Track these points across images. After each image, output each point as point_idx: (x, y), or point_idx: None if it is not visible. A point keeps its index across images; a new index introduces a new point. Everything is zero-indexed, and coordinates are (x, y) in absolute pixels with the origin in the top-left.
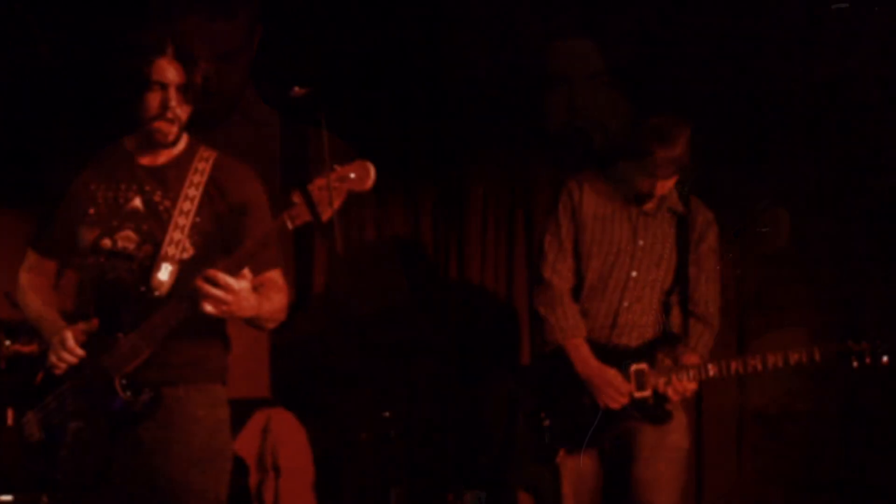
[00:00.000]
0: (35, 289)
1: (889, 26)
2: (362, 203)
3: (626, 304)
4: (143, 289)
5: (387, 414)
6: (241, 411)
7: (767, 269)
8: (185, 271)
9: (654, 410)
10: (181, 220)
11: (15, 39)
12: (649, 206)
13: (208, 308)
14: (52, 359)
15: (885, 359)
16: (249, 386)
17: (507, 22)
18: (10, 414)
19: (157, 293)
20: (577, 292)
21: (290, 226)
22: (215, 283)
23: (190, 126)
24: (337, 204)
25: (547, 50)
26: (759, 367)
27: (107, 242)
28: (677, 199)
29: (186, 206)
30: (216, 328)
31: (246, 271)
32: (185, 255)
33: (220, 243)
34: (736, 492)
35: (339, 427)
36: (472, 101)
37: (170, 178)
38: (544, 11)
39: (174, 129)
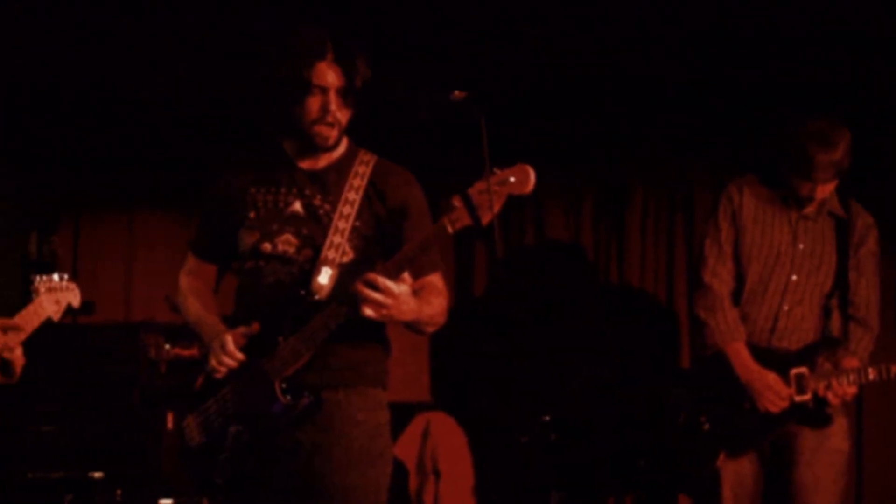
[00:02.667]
0: (195, 293)
1: None
2: (522, 207)
3: (786, 307)
4: (302, 292)
5: (546, 417)
6: (402, 415)
7: None
8: (345, 275)
9: (815, 414)
10: (341, 224)
11: (175, 47)
12: (809, 209)
13: (368, 312)
14: (212, 363)
15: None
16: (409, 390)
17: (668, 24)
18: (170, 418)
19: (316, 297)
20: (737, 296)
21: (450, 230)
22: (375, 287)
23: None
24: (497, 208)
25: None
26: None
27: (267, 246)
28: (838, 203)
29: (346, 209)
30: (376, 332)
31: (406, 275)
32: (345, 259)
33: (379, 247)
34: None
35: (499, 430)
36: (634, 104)
37: (330, 182)
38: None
39: (334, 133)
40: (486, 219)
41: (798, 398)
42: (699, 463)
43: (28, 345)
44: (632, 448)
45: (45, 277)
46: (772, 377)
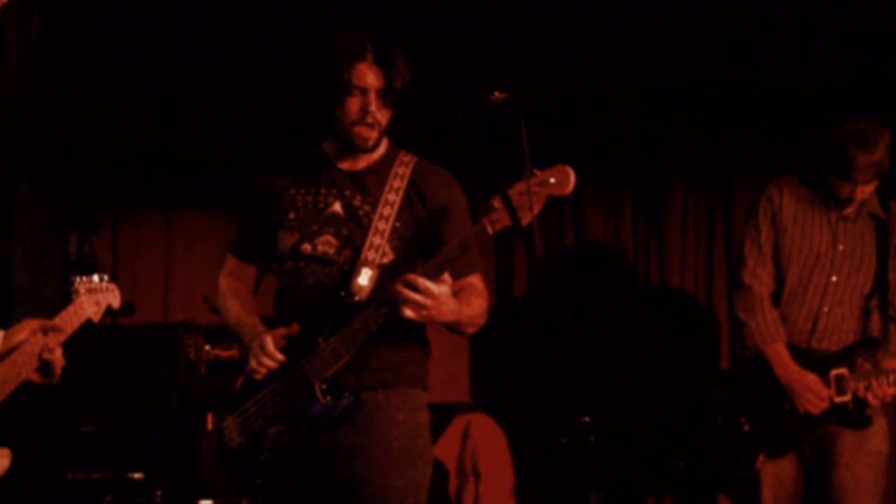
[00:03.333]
0: (235, 294)
1: None
2: (562, 207)
3: (826, 308)
4: (342, 293)
5: (586, 418)
6: (442, 416)
7: None
8: (385, 276)
9: (855, 415)
10: (381, 225)
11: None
12: (849, 210)
13: (408, 313)
14: (252, 364)
15: None
16: (450, 390)
17: (709, 25)
18: (210, 419)
19: (356, 298)
20: (776, 297)
21: (490, 231)
22: (415, 288)
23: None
24: (537, 209)
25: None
26: None
27: (307, 247)
28: (878, 204)
29: (386, 210)
30: (416, 333)
31: (446, 276)
32: (385, 260)
33: (419, 248)
34: None
35: (539, 431)
36: (673, 104)
37: (369, 183)
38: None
39: (374, 134)
40: (525, 220)
41: (838, 399)
42: (739, 464)
43: (68, 346)
44: (671, 449)
45: (84, 278)
46: (811, 378)
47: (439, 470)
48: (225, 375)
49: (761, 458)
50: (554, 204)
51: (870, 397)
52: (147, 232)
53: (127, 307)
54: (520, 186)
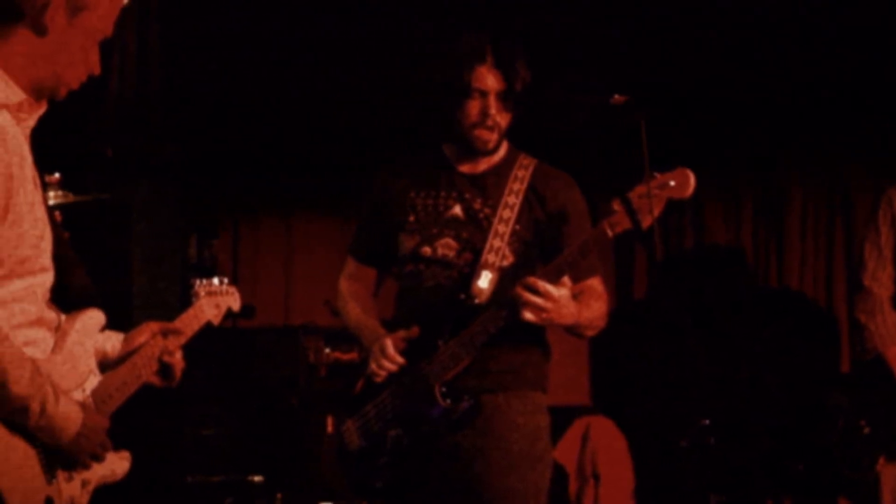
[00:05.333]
0: (355, 297)
1: None
2: (682, 210)
3: None
4: (462, 296)
5: (706, 421)
6: (561, 418)
7: None
8: (505, 279)
9: None
10: (501, 228)
11: (333, 53)
12: None
13: (528, 316)
14: (372, 366)
15: None
16: (569, 393)
17: (829, 28)
18: (329, 422)
19: (476, 301)
20: None
21: (609, 234)
22: (535, 291)
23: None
24: (657, 212)
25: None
26: None
27: (427, 250)
28: None
29: (506, 213)
30: (536, 336)
31: (566, 279)
32: (505, 263)
33: (538, 251)
34: None
35: (659, 434)
36: (793, 107)
37: (489, 186)
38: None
39: (494, 137)
40: (646, 223)
41: None
42: (859, 467)
43: (188, 349)
44: (791, 452)
45: (205, 281)
46: None
47: (559, 473)
48: (345, 378)
49: (881, 461)
50: (674, 207)
51: None
52: (267, 235)
53: (247, 310)
54: (640, 189)
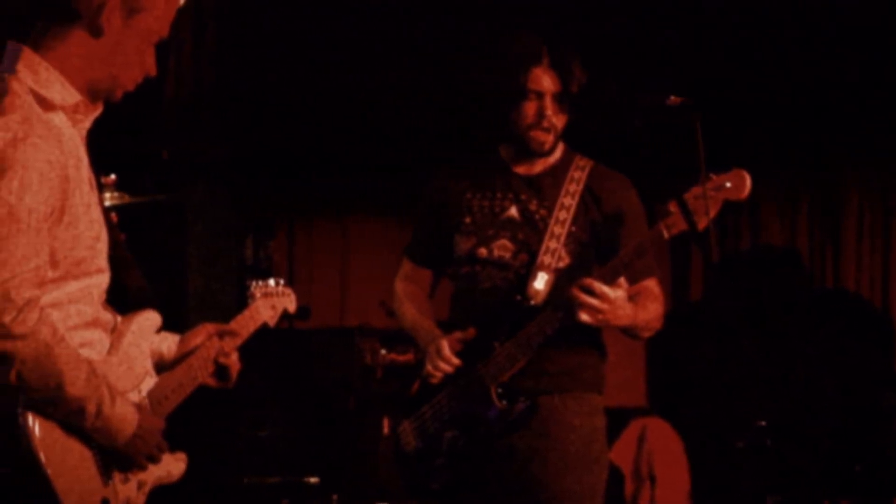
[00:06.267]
0: (411, 298)
1: None
2: (738, 211)
3: None
4: (518, 297)
5: (762, 422)
6: (617, 420)
7: None
8: (561, 280)
9: None
10: (557, 229)
11: (389, 54)
12: None
13: (584, 317)
14: (428, 368)
15: None
16: (625, 395)
17: (887, 30)
18: (385, 423)
19: (532, 302)
20: None
21: (665, 235)
22: (591, 292)
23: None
24: (713, 213)
25: None
26: None
27: (483, 251)
28: None
29: (562, 214)
30: (592, 337)
31: (622, 280)
32: (561, 264)
33: (594, 252)
34: None
35: (715, 436)
36: (850, 108)
37: (545, 187)
38: None
39: (550, 138)
40: (702, 224)
41: None
42: None
43: (244, 350)
44: (847, 453)
45: (260, 283)
46: None
47: (615, 474)
48: (401, 379)
49: None
50: (730, 208)
51: None
52: (322, 236)
53: (303, 311)
54: (696, 191)
